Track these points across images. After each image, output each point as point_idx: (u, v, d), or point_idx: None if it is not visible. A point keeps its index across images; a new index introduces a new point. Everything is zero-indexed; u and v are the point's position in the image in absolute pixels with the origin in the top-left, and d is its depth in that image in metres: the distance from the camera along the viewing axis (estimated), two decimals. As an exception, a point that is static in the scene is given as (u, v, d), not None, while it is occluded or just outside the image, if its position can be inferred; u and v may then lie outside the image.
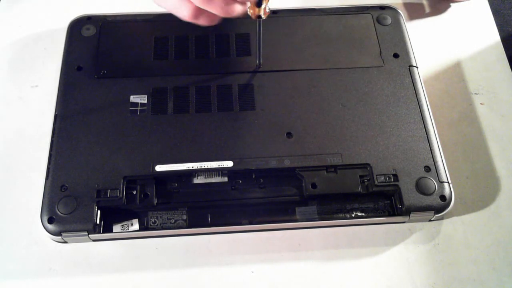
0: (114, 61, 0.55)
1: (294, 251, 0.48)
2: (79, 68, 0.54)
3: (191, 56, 0.56)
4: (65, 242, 0.48)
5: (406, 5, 0.64)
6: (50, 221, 0.46)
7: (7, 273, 0.46)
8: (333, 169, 0.50)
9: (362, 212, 0.50)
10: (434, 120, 0.53)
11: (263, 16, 0.47)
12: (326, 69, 0.55)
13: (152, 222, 0.49)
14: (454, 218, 0.50)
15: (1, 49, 0.60)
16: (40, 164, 0.50)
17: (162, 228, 0.48)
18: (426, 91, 0.54)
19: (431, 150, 0.51)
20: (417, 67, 0.56)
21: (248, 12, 0.47)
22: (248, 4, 0.47)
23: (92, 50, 0.56)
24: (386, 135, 0.51)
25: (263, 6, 0.46)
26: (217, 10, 0.47)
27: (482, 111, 0.57)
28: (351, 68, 0.55)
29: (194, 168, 0.49)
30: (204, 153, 0.50)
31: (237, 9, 0.48)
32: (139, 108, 0.52)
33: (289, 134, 0.51)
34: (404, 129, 0.52)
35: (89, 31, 0.57)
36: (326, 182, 0.49)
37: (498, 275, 0.47)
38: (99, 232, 0.47)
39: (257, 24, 0.50)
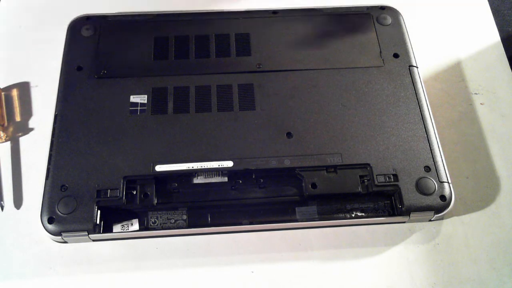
0: (114, 61, 0.55)
1: (294, 251, 0.48)
2: (79, 68, 0.54)
3: (191, 56, 0.56)
4: (65, 242, 0.48)
5: (406, 5, 0.64)
6: (50, 221, 0.46)
7: (8, 273, 0.46)
8: (333, 169, 0.50)
9: (362, 212, 0.50)
10: (434, 120, 0.53)
11: None
12: (326, 69, 0.55)
13: (152, 222, 0.49)
14: (454, 218, 0.50)
15: (1, 49, 0.60)
16: (40, 164, 0.50)
17: (162, 228, 0.48)
18: (426, 91, 0.54)
19: (431, 150, 0.50)
20: (417, 67, 0.56)
21: None
22: None
23: (92, 50, 0.56)
24: (386, 135, 0.51)
25: None
26: None
27: (482, 111, 0.57)
28: (351, 68, 0.55)
29: (194, 168, 0.49)
30: (204, 153, 0.50)
31: None
32: (139, 108, 0.52)
33: (289, 134, 0.51)
34: (404, 129, 0.52)
35: (89, 31, 0.57)
36: (326, 182, 0.49)
37: (498, 275, 0.47)
38: (99, 232, 0.47)
39: None
